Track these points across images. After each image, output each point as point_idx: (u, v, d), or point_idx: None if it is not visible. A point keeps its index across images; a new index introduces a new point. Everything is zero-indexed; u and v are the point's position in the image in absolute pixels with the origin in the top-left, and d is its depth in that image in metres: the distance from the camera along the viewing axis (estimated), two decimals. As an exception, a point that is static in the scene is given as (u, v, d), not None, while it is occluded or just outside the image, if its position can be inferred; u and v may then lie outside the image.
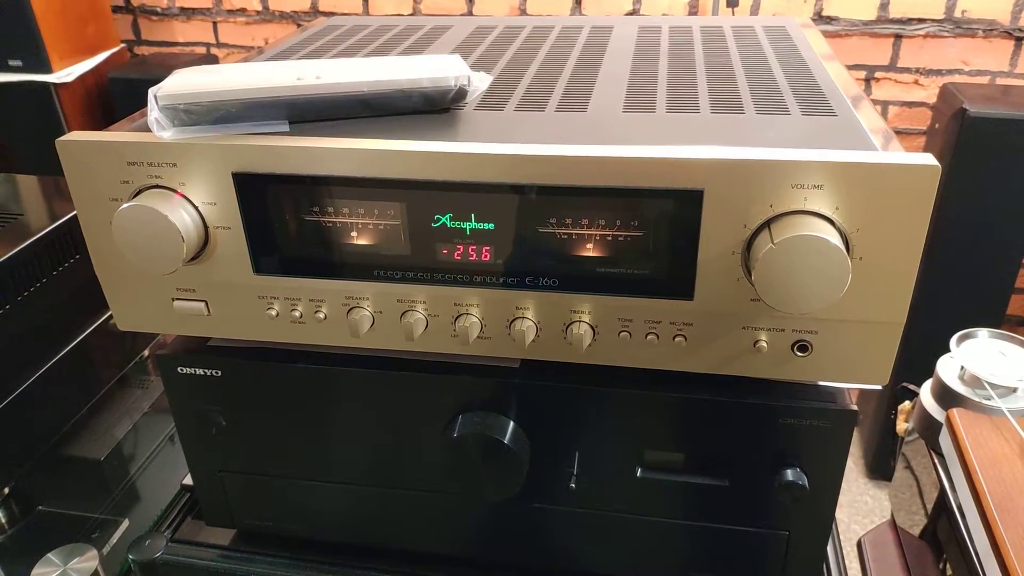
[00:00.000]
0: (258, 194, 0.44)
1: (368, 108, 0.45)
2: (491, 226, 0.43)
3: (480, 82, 0.46)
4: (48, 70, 1.61)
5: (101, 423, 0.79)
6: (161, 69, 1.69)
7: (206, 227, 0.44)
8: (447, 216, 0.43)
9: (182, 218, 0.43)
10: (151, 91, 0.43)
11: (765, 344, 0.42)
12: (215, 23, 1.84)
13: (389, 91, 0.44)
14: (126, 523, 0.72)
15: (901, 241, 0.39)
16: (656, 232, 0.41)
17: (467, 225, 0.43)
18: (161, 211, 0.42)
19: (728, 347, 0.43)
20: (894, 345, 0.42)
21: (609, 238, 0.42)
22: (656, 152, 0.39)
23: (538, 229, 0.42)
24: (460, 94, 0.45)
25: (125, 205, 0.43)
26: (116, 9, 1.86)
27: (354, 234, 0.44)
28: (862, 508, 1.57)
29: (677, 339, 0.43)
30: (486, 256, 0.43)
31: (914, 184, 0.37)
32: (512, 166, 0.40)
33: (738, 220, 0.39)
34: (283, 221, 0.44)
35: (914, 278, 0.40)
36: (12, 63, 1.61)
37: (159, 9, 1.85)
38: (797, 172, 0.38)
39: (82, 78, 1.67)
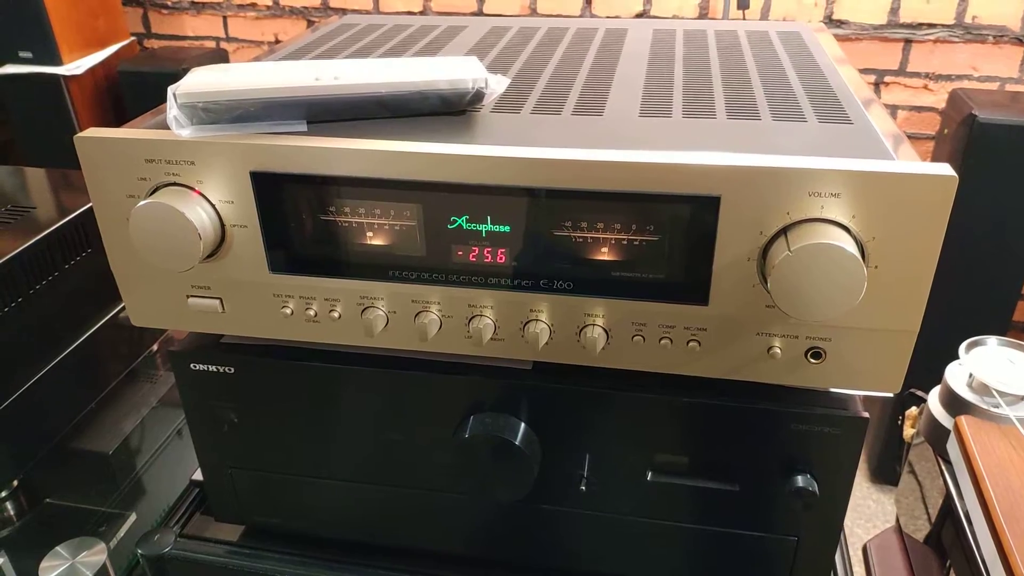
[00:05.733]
0: (275, 193, 0.44)
1: (386, 109, 0.45)
2: (507, 228, 0.43)
3: (497, 84, 0.46)
4: (58, 62, 1.61)
5: (109, 417, 0.79)
6: (171, 63, 1.69)
7: (223, 225, 0.45)
8: (463, 218, 0.43)
9: (199, 216, 0.43)
10: (170, 89, 0.43)
11: (779, 350, 0.42)
12: (225, 17, 1.85)
13: (407, 92, 0.44)
14: (133, 517, 0.72)
15: (917, 250, 0.39)
16: (672, 237, 0.41)
17: (483, 227, 0.43)
18: (178, 208, 0.42)
19: (742, 353, 0.43)
20: (907, 353, 0.42)
21: (625, 242, 0.42)
22: (673, 158, 0.39)
23: (553, 232, 0.42)
24: (477, 96, 0.45)
25: (142, 202, 0.43)
26: (126, 2, 1.86)
27: (370, 234, 0.44)
28: (865, 512, 1.57)
29: (691, 344, 0.43)
30: (501, 258, 0.43)
31: (931, 194, 0.37)
32: (529, 169, 0.41)
33: (755, 227, 0.39)
34: (300, 220, 0.44)
35: (929, 287, 0.40)
36: (22, 55, 1.61)
37: (169, 3, 1.86)
38: (815, 180, 0.38)
39: (92, 71, 1.67)
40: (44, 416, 0.70)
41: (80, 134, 0.44)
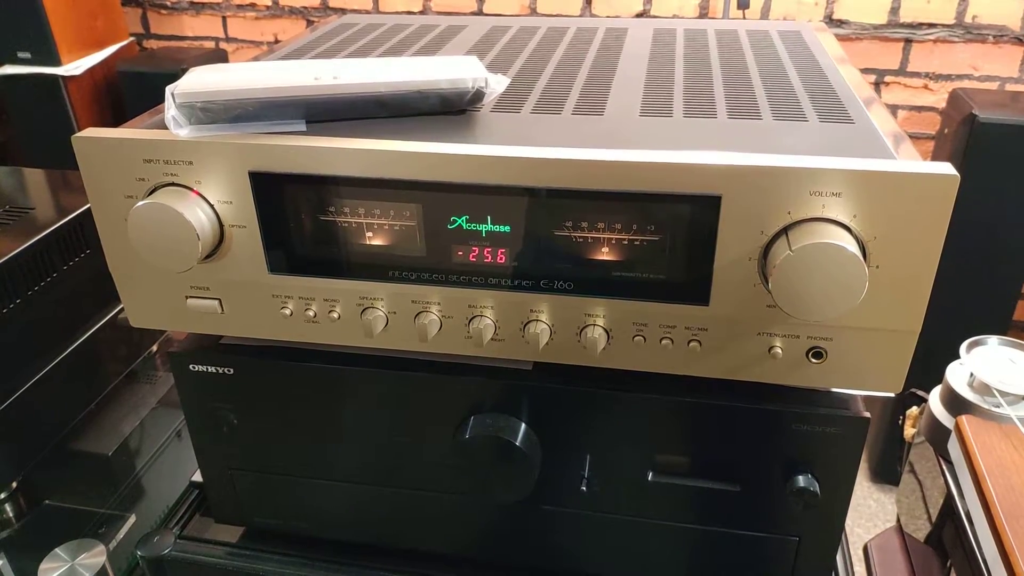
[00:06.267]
0: (274, 193, 0.43)
1: (385, 108, 0.45)
2: (507, 228, 0.43)
3: (497, 84, 0.46)
4: (57, 63, 1.61)
5: (109, 418, 0.79)
6: (170, 63, 1.69)
7: (221, 225, 0.44)
8: (463, 218, 0.43)
9: (198, 216, 0.43)
10: (168, 88, 0.43)
11: (780, 350, 0.42)
12: (224, 17, 1.84)
13: (406, 92, 0.44)
14: (133, 518, 0.72)
15: (918, 250, 0.39)
16: (673, 237, 0.41)
17: (483, 227, 0.43)
18: (177, 209, 0.42)
19: (743, 353, 0.43)
20: (908, 353, 0.42)
21: (625, 242, 0.42)
22: (674, 157, 0.39)
23: (554, 232, 0.42)
24: (477, 96, 0.45)
25: (141, 203, 0.43)
26: (125, 2, 1.86)
27: (369, 235, 0.44)
28: (865, 512, 1.57)
29: (692, 344, 0.43)
30: (501, 258, 0.43)
31: (932, 193, 0.37)
32: (529, 169, 0.40)
33: (756, 226, 0.39)
34: (299, 220, 0.44)
35: (930, 287, 0.40)
36: (21, 55, 1.61)
37: (168, 3, 1.86)
38: (816, 179, 0.38)
39: (91, 71, 1.67)
40: (43, 417, 0.70)
41: (78, 134, 0.44)
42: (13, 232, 0.68)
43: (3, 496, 0.70)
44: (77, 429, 0.75)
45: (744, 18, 1.57)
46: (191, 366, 0.52)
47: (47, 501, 0.72)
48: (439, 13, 1.72)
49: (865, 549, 0.73)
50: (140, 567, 0.58)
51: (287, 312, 0.47)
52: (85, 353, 0.73)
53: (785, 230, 0.39)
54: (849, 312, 0.38)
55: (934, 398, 0.69)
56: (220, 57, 1.83)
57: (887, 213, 0.38)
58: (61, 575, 0.60)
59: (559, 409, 0.48)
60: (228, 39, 1.87)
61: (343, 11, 1.76)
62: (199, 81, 0.43)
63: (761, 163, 0.38)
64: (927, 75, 1.55)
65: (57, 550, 0.62)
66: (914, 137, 1.61)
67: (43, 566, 0.61)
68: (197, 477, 0.60)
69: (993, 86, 1.52)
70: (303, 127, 0.44)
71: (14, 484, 0.70)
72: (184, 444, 0.79)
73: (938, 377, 0.68)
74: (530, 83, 0.53)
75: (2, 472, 0.68)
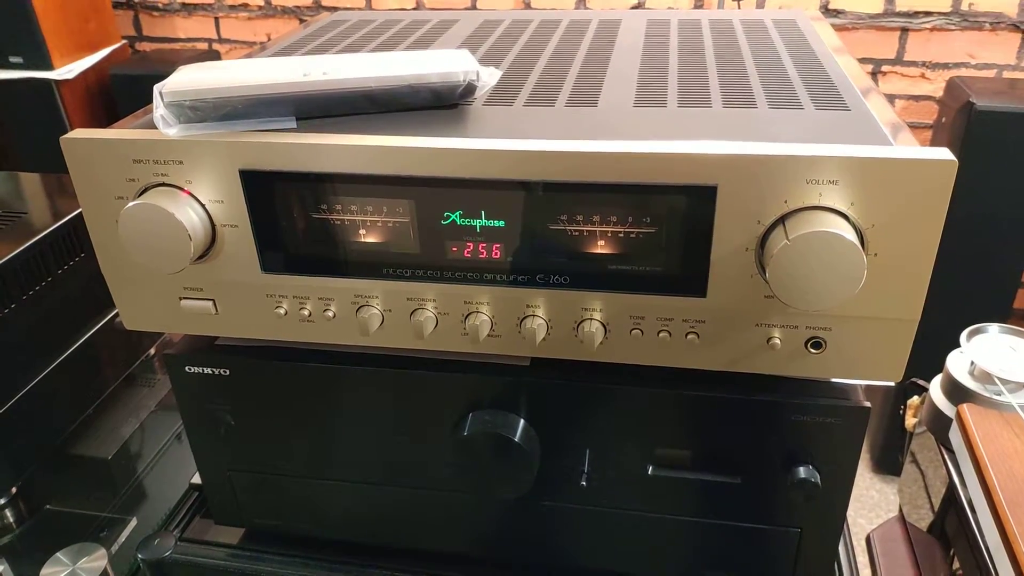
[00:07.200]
0: (266, 191, 0.43)
1: (376, 104, 0.44)
2: (501, 223, 0.42)
3: (489, 77, 0.46)
4: (49, 67, 1.61)
5: (108, 422, 0.79)
6: (163, 65, 1.69)
7: (213, 225, 0.44)
8: (457, 213, 0.42)
9: (189, 216, 0.43)
10: (156, 87, 0.42)
11: (778, 341, 0.42)
12: (217, 19, 1.84)
13: (397, 87, 0.44)
14: (134, 522, 0.71)
15: (917, 237, 0.38)
16: (669, 229, 0.41)
17: (477, 222, 0.42)
18: (168, 209, 0.42)
19: (741, 344, 0.43)
20: (908, 342, 0.42)
21: (621, 235, 0.41)
22: (668, 147, 0.39)
23: (549, 226, 0.42)
24: (469, 89, 0.45)
25: (131, 203, 0.42)
26: (117, 5, 1.85)
27: (363, 232, 0.44)
28: (868, 502, 1.57)
29: (689, 336, 0.43)
30: (496, 254, 0.43)
31: (930, 179, 0.37)
32: (522, 162, 0.40)
33: (752, 216, 0.39)
34: (291, 219, 0.44)
35: (929, 275, 0.39)
36: (13, 60, 1.60)
37: (160, 5, 1.85)
38: (812, 167, 0.37)
39: (83, 74, 1.66)
40: (42, 422, 0.70)
41: (67, 135, 0.44)
42: (7, 237, 0.67)
43: (3, 501, 0.70)
44: (76, 433, 0.75)
45: (739, 8, 1.56)
46: (187, 367, 0.51)
47: (47, 506, 0.72)
48: (432, 9, 1.72)
49: (868, 539, 0.73)
50: (141, 570, 0.57)
51: (282, 312, 0.46)
52: (83, 357, 0.73)
53: (782, 219, 0.38)
54: (848, 301, 0.38)
55: (935, 387, 0.68)
56: (213, 58, 1.82)
57: (885, 200, 0.38)
58: (61, 580, 0.60)
59: (557, 404, 0.48)
60: (221, 40, 1.86)
61: (336, 10, 1.76)
62: (187, 79, 0.43)
63: (757, 152, 0.38)
64: (924, 64, 1.54)
65: (58, 555, 0.62)
66: (912, 126, 1.61)
67: (44, 571, 0.61)
68: (197, 479, 0.60)
69: (990, 74, 1.52)
70: (293, 124, 0.43)
71: (14, 489, 0.70)
72: (184, 447, 0.79)
73: (939, 366, 0.68)
74: (523, 76, 0.52)
75: (2, 477, 0.68)
